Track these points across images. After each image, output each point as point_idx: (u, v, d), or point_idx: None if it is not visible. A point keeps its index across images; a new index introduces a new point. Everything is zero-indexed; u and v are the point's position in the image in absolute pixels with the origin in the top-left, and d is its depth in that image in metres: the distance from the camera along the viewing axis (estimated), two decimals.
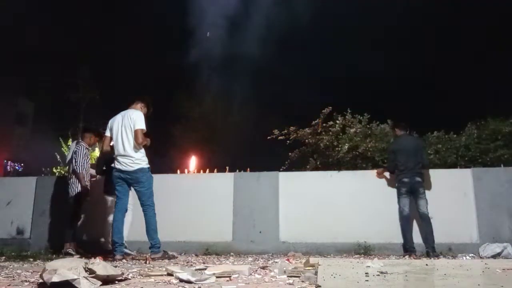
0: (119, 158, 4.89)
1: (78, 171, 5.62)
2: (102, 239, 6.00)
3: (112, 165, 4.99)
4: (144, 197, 4.88)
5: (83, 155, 5.69)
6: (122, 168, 4.85)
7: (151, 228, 4.86)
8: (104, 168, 5.80)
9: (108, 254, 4.96)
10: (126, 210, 5.02)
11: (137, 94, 5.59)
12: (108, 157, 5.68)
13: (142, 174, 4.85)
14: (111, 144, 5.08)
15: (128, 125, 4.88)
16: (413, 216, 5.57)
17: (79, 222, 5.81)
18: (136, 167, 4.83)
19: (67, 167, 6.13)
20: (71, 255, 5.17)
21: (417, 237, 5.52)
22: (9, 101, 29.71)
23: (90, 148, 6.04)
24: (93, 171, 6.04)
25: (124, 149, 4.85)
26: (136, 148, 4.86)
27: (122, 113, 5.07)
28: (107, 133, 5.07)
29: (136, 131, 4.84)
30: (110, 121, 5.09)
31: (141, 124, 4.87)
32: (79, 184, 5.65)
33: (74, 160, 5.67)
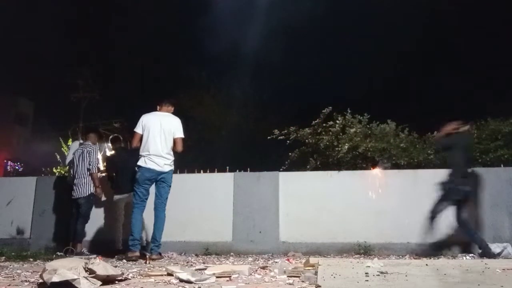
0: (154, 158, 4.95)
1: (93, 171, 5.63)
2: (106, 239, 6.01)
3: (141, 164, 4.97)
4: (165, 195, 5.09)
5: (97, 156, 5.73)
6: (156, 168, 4.95)
7: (161, 226, 5.00)
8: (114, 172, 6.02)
9: (113, 254, 5.02)
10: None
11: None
12: (118, 159, 5.86)
13: (171, 176, 5.12)
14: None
15: (168, 130, 5.06)
16: (414, 216, 5.56)
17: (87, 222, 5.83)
18: (168, 168, 5.06)
19: (70, 168, 6.10)
20: (87, 255, 5.16)
21: (416, 236, 5.52)
22: (9, 101, 29.75)
23: None
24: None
25: (162, 150, 5.00)
26: (171, 152, 5.07)
27: (159, 115, 5.16)
28: (139, 131, 5.08)
29: (178, 140, 5.10)
30: (144, 120, 5.11)
31: (182, 133, 5.15)
32: (92, 185, 5.66)
33: (87, 161, 5.66)
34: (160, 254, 5.00)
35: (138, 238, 4.91)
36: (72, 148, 6.40)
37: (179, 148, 5.11)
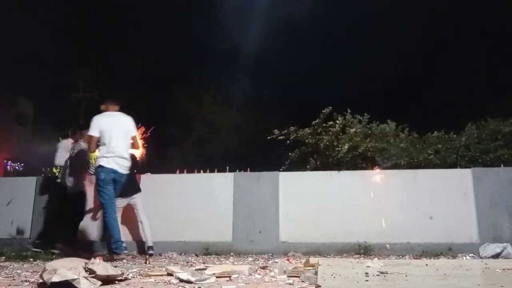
0: (118, 160, 4.84)
1: (84, 170, 5.66)
2: (100, 239, 6.01)
3: (104, 164, 4.78)
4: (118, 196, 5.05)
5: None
6: (119, 170, 4.84)
7: (117, 226, 4.90)
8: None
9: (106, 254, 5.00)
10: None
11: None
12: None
13: (126, 177, 5.02)
14: None
15: (127, 130, 4.99)
16: (414, 216, 5.55)
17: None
18: (127, 171, 4.98)
19: (64, 167, 6.03)
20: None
21: (418, 237, 5.52)
22: (9, 101, 29.75)
23: None
24: None
25: (125, 152, 4.93)
26: (129, 152, 5.02)
27: (113, 115, 5.04)
28: (96, 134, 4.88)
29: (135, 138, 5.06)
30: (99, 122, 4.93)
31: (136, 130, 5.13)
32: (84, 184, 5.69)
33: (79, 160, 5.65)
34: (125, 248, 4.88)
35: (120, 240, 4.79)
36: (60, 147, 6.26)
37: (137, 146, 5.06)
